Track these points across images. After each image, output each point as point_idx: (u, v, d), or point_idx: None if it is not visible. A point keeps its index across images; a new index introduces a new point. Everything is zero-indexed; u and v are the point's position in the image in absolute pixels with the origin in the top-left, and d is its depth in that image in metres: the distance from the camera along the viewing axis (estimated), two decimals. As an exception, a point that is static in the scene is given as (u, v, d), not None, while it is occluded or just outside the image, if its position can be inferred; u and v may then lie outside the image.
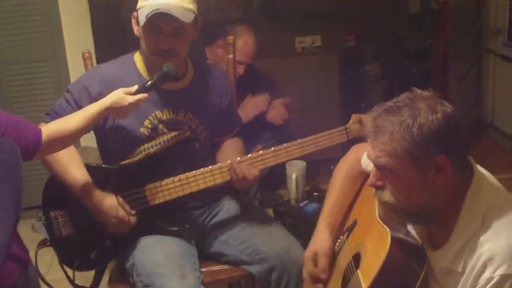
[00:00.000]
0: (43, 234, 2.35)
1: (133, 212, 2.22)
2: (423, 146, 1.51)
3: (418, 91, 1.59)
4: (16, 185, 1.41)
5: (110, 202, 2.19)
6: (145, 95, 2.09)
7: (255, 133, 3.38)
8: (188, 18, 2.19)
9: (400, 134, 1.52)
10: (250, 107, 3.40)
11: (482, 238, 1.53)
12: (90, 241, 2.29)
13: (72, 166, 2.22)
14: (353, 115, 2.34)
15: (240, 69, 3.36)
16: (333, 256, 2.00)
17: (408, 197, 1.60)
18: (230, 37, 2.84)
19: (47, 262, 2.84)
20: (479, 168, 1.64)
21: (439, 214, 1.62)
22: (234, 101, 2.57)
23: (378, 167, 1.61)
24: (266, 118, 3.49)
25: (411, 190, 1.58)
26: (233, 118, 2.58)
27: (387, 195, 1.63)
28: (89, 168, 2.25)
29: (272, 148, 2.26)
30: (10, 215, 1.35)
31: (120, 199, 2.20)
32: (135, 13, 2.27)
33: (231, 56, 2.76)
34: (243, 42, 3.38)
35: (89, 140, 2.48)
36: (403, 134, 1.51)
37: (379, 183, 1.63)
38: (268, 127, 3.51)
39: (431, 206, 1.60)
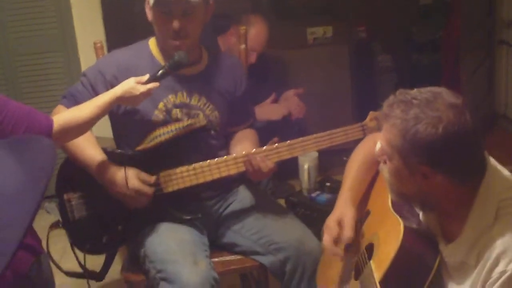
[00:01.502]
0: (55, 216, 2.36)
1: (153, 178, 2.22)
2: (411, 153, 1.53)
3: (446, 93, 1.55)
4: (41, 184, 1.40)
5: (123, 173, 2.19)
6: (156, 84, 2.10)
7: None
8: None
9: (398, 130, 1.53)
10: (268, 112, 3.37)
11: (495, 231, 1.52)
12: (102, 225, 2.30)
13: (88, 147, 2.23)
14: (371, 113, 2.31)
15: (252, 58, 3.37)
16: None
17: (399, 184, 1.64)
18: (242, 27, 2.83)
19: (59, 250, 2.85)
20: (492, 161, 1.63)
21: (442, 208, 1.63)
22: (248, 91, 2.56)
23: (381, 146, 1.65)
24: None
25: (401, 180, 1.62)
26: (247, 109, 2.58)
27: (385, 171, 1.67)
28: (104, 152, 2.26)
29: (288, 142, 2.25)
30: (28, 212, 1.34)
31: (133, 171, 2.20)
32: None
33: (243, 46, 2.75)
34: (256, 31, 3.40)
35: (102, 130, 2.48)
36: (399, 132, 1.53)
37: (383, 157, 1.65)
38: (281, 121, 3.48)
39: (422, 199, 1.63)
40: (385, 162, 1.65)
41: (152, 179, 2.22)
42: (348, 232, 1.89)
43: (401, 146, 1.53)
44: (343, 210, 1.94)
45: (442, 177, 1.53)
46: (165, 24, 2.24)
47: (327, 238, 1.92)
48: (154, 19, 2.27)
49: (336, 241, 1.91)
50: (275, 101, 3.43)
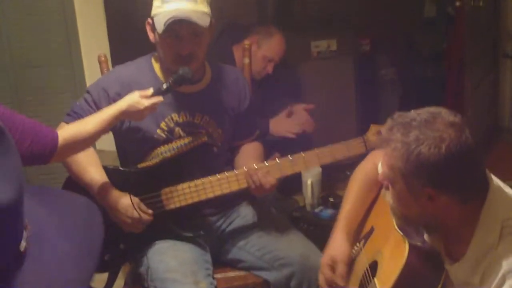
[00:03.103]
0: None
1: (150, 211, 2.21)
2: (415, 175, 1.52)
3: (444, 112, 1.55)
4: (88, 245, 1.39)
5: (126, 201, 2.19)
6: (160, 98, 2.10)
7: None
8: (205, 22, 2.19)
9: (400, 154, 1.52)
10: (285, 127, 3.36)
11: (500, 250, 1.52)
12: (105, 244, 2.28)
13: (90, 166, 2.23)
14: (372, 126, 2.30)
15: (270, 67, 3.37)
16: (350, 263, 1.98)
17: (402, 207, 1.63)
18: (247, 42, 2.84)
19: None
20: (495, 179, 1.62)
21: (447, 229, 1.62)
22: (253, 105, 2.57)
23: (383, 171, 1.64)
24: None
25: (405, 204, 1.61)
26: (252, 122, 2.56)
27: (389, 196, 1.66)
28: (106, 170, 2.26)
29: (290, 157, 2.25)
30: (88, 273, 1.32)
31: (136, 199, 2.20)
32: (149, 20, 2.28)
33: (247, 61, 2.75)
34: (276, 40, 3.39)
35: (105, 143, 2.49)
36: (402, 156, 1.52)
37: (385, 182, 1.65)
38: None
39: (427, 221, 1.62)
40: (387, 188, 1.65)
41: (149, 212, 2.21)
42: (339, 281, 1.91)
43: (405, 169, 1.52)
44: (336, 252, 1.95)
45: (446, 197, 1.53)
46: (171, 48, 2.23)
47: (321, 280, 1.96)
48: (160, 43, 2.25)
49: (330, 283, 1.94)
50: (291, 114, 3.42)
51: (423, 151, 1.48)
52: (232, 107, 2.43)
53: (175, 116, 2.31)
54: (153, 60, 2.37)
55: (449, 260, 1.66)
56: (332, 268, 1.94)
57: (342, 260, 1.94)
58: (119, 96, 2.22)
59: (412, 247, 1.68)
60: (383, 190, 1.71)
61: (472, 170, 1.54)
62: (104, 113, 2.08)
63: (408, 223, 1.70)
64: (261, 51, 3.32)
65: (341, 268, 1.93)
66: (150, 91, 2.10)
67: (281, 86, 3.63)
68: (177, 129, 2.31)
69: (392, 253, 1.76)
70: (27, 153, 1.86)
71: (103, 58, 2.61)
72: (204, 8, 2.22)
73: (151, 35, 2.30)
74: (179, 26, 2.17)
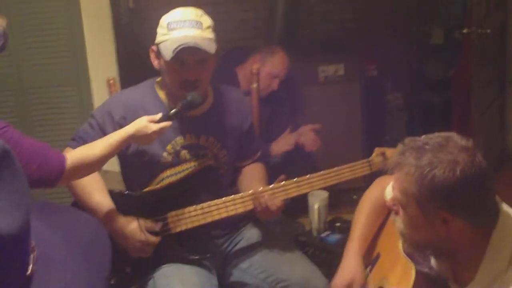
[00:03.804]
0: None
1: (158, 226, 2.21)
2: (430, 198, 1.51)
3: (456, 137, 1.55)
4: (96, 263, 1.39)
5: (133, 225, 2.18)
6: (168, 123, 2.11)
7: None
8: (212, 48, 2.21)
9: (414, 178, 1.52)
10: (282, 144, 3.41)
11: (510, 276, 1.51)
12: (111, 268, 2.28)
13: (96, 191, 2.22)
14: (376, 149, 2.34)
15: (275, 84, 3.42)
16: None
17: (414, 232, 1.62)
18: (255, 66, 2.86)
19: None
20: (504, 206, 1.62)
21: (457, 254, 1.61)
22: (255, 125, 2.59)
23: (394, 196, 1.63)
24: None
25: (417, 229, 1.60)
26: (254, 142, 2.58)
27: (399, 222, 1.65)
28: (111, 194, 2.25)
29: (295, 179, 2.26)
30: None
31: (142, 222, 2.19)
32: (154, 47, 2.29)
33: (255, 85, 2.77)
34: (279, 57, 3.45)
35: (111, 164, 2.49)
36: (415, 180, 1.52)
37: (395, 207, 1.64)
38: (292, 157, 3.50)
39: (439, 245, 1.61)
40: (397, 213, 1.64)
41: (158, 226, 2.21)
42: None
43: (418, 193, 1.52)
44: (354, 273, 1.93)
45: (461, 221, 1.52)
46: (178, 74, 2.24)
47: None
48: (167, 69, 2.26)
49: None
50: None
51: (437, 175, 1.48)
52: (235, 127, 2.44)
53: (180, 139, 2.32)
54: (156, 86, 2.38)
55: (456, 285, 1.65)
56: None
57: (360, 281, 1.92)
58: (124, 120, 2.23)
59: (418, 274, 1.67)
60: (392, 216, 1.70)
61: (485, 194, 1.54)
62: (111, 137, 2.09)
63: (418, 248, 1.69)
64: (266, 68, 3.37)
65: None
66: (159, 115, 2.11)
67: (288, 104, 3.66)
68: (182, 152, 2.31)
69: (399, 279, 1.75)
70: (35, 176, 1.86)
71: (112, 81, 2.63)
72: (210, 34, 2.24)
73: (155, 62, 2.31)
74: (186, 54, 2.18)
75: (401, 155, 1.56)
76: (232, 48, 3.78)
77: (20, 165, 1.13)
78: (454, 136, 1.56)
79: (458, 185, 1.48)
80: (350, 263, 1.97)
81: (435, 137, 1.56)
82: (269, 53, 3.44)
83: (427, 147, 1.53)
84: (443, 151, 1.50)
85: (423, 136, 1.58)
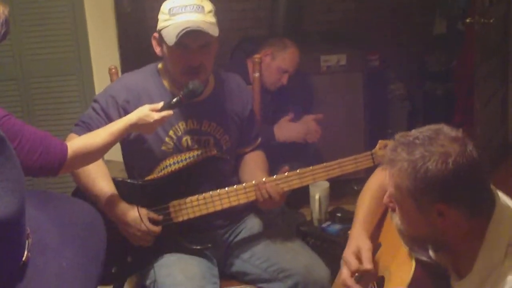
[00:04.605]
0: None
1: (160, 218, 2.21)
2: (424, 192, 1.52)
3: (446, 128, 1.56)
4: (92, 251, 1.38)
5: (134, 213, 2.18)
6: (170, 112, 2.10)
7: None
8: (216, 32, 2.21)
9: (407, 173, 1.52)
10: (286, 131, 3.40)
11: (506, 268, 1.51)
12: (112, 256, 2.28)
13: (100, 178, 2.22)
14: (380, 141, 2.33)
15: (284, 79, 3.44)
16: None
17: (411, 227, 1.63)
18: (257, 56, 2.86)
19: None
20: (502, 197, 1.62)
21: (454, 247, 1.61)
22: (255, 112, 2.60)
23: (389, 193, 1.64)
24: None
25: (413, 223, 1.61)
26: (255, 128, 2.57)
27: (396, 218, 1.66)
28: (114, 182, 2.25)
29: (298, 170, 2.25)
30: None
31: (143, 211, 2.19)
32: (156, 34, 2.28)
33: (257, 75, 2.77)
34: (291, 52, 3.47)
35: (113, 153, 2.49)
36: (408, 174, 1.52)
37: (391, 204, 1.65)
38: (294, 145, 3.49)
39: (436, 239, 1.61)
40: (394, 210, 1.64)
41: (160, 217, 2.22)
42: (367, 265, 1.86)
43: (413, 188, 1.52)
44: (359, 242, 1.92)
45: (456, 212, 1.52)
46: (181, 60, 2.23)
47: (345, 272, 1.88)
48: (170, 55, 2.25)
49: (356, 272, 1.88)
50: (292, 120, 3.45)
51: (430, 168, 1.48)
52: (237, 113, 2.44)
53: (182, 125, 2.31)
54: (158, 71, 2.37)
55: (455, 276, 1.65)
56: (358, 257, 1.90)
57: (368, 248, 1.90)
58: (127, 103, 2.24)
59: (418, 264, 1.68)
60: (389, 213, 1.70)
61: (479, 183, 1.55)
62: (113, 126, 2.09)
63: (416, 243, 1.70)
64: (276, 62, 3.38)
65: (367, 254, 1.88)
66: (160, 104, 2.10)
67: (294, 94, 3.66)
68: (184, 138, 2.31)
69: (399, 268, 1.75)
70: (36, 165, 1.86)
71: (113, 70, 2.62)
72: (212, 18, 2.23)
73: (157, 49, 2.30)
74: (189, 38, 2.17)
75: (393, 151, 1.57)
76: (242, 39, 3.77)
77: (14, 152, 1.13)
78: (444, 127, 1.57)
79: (451, 176, 1.48)
80: (355, 236, 1.95)
81: (425, 131, 1.56)
82: (280, 47, 3.45)
83: (417, 141, 1.53)
84: (434, 144, 1.51)
85: (413, 130, 1.59)
